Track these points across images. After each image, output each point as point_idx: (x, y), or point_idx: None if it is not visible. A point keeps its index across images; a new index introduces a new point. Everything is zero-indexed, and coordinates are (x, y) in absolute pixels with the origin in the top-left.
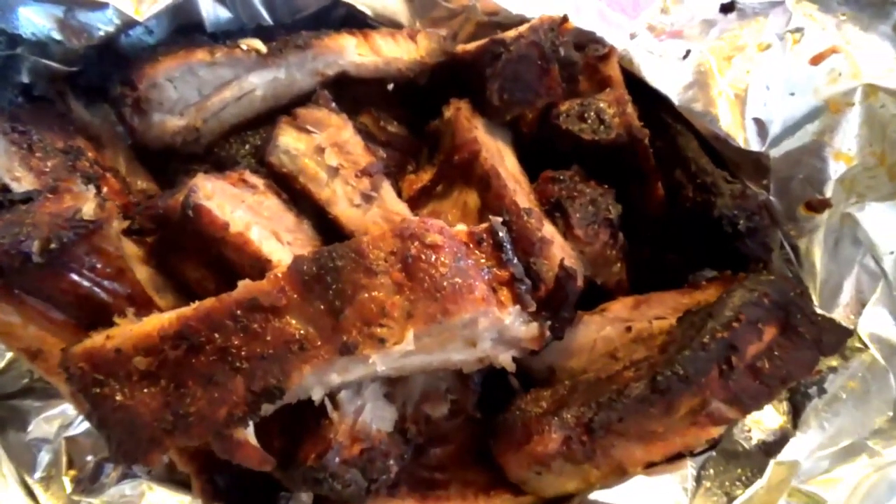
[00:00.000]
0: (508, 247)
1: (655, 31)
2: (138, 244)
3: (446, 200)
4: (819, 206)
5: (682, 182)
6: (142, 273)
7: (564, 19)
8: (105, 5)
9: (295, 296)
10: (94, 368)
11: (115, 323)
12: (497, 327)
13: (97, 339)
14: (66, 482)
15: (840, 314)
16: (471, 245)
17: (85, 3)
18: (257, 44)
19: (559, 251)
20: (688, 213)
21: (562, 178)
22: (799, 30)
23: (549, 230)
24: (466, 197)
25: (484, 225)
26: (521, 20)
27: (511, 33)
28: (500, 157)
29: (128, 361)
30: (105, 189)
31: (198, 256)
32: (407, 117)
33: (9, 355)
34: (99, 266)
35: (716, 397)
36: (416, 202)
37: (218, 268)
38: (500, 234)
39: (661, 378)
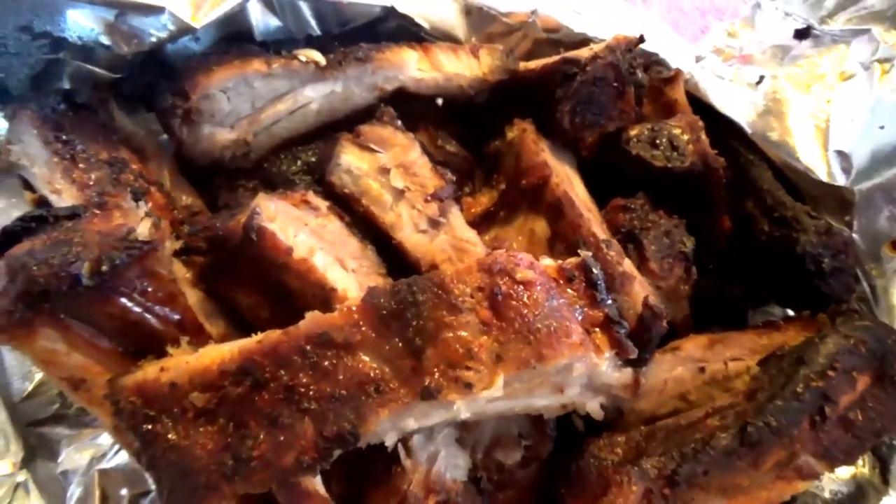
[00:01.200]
0: (602, 285)
1: (723, 55)
2: (187, 265)
3: (510, 227)
4: None
5: (754, 215)
6: (191, 297)
7: (641, 39)
8: (161, 10)
9: (370, 332)
10: (146, 403)
11: (168, 353)
12: (591, 374)
13: (150, 371)
14: None
15: None
16: (561, 282)
17: (140, 7)
18: (316, 55)
19: (640, 288)
20: (762, 246)
21: (633, 206)
22: (888, 60)
23: (628, 264)
24: (534, 224)
25: (575, 260)
26: (584, 39)
27: (584, 52)
28: (571, 183)
29: (183, 397)
30: (150, 204)
31: (252, 281)
32: (460, 135)
33: (37, 378)
34: (150, 290)
35: (805, 450)
36: (476, 227)
37: (274, 294)
38: (595, 270)
39: (751, 429)
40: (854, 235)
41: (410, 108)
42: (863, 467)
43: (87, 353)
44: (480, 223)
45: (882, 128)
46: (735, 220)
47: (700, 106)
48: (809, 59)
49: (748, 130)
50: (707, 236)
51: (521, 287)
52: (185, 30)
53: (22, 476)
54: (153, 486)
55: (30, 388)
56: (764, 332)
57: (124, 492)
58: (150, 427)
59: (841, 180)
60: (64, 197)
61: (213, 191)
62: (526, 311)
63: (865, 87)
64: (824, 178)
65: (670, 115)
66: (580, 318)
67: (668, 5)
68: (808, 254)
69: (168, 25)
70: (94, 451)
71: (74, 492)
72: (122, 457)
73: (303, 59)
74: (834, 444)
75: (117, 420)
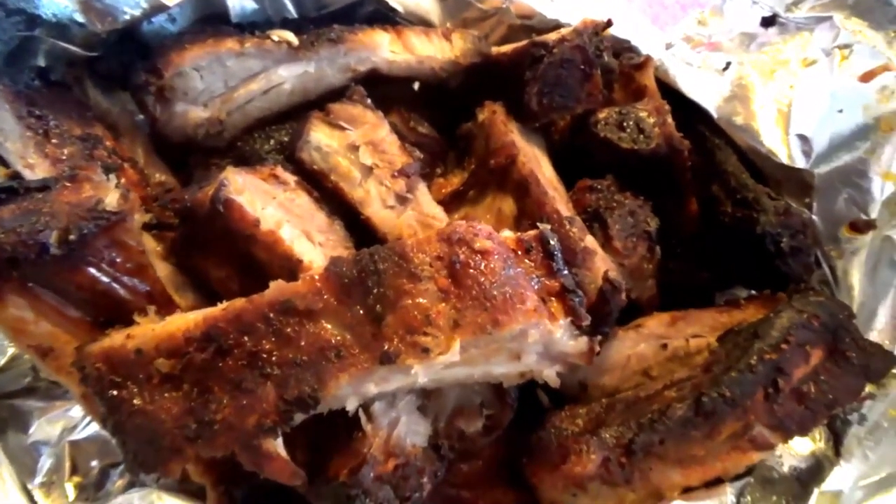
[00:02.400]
0: (559, 256)
1: (693, 43)
2: (158, 239)
3: (479, 206)
4: (864, 227)
5: (719, 197)
6: (161, 270)
7: (608, 23)
8: None
9: (332, 299)
10: (112, 369)
11: (135, 321)
12: (546, 341)
13: (116, 339)
14: (69, 489)
15: (875, 339)
16: (519, 252)
17: None
18: (289, 35)
19: (602, 263)
20: (726, 228)
21: (599, 187)
22: (847, 46)
23: (590, 241)
24: (501, 203)
25: (533, 232)
26: (557, 25)
27: (553, 36)
28: (538, 163)
29: (149, 363)
30: (123, 180)
31: (222, 254)
32: (433, 118)
33: (10, 351)
34: (119, 261)
35: (759, 422)
36: (447, 206)
37: (243, 266)
38: (552, 242)
39: (706, 399)
40: (814, 217)
41: (385, 90)
42: (819, 441)
43: (55, 322)
44: (450, 202)
45: (841, 112)
46: (702, 204)
47: (669, 92)
48: (774, 46)
49: (714, 115)
50: (674, 219)
51: (479, 256)
52: (157, 7)
53: None
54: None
55: (2, 361)
56: (725, 309)
57: (94, 463)
58: (115, 392)
59: (801, 163)
60: (37, 171)
61: (188, 169)
62: (483, 280)
63: (826, 72)
64: (785, 160)
65: (639, 100)
66: (536, 287)
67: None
68: (768, 233)
69: (141, 3)
70: (66, 422)
71: (45, 462)
72: (93, 428)
73: (275, 38)
74: (788, 416)
75: (84, 387)
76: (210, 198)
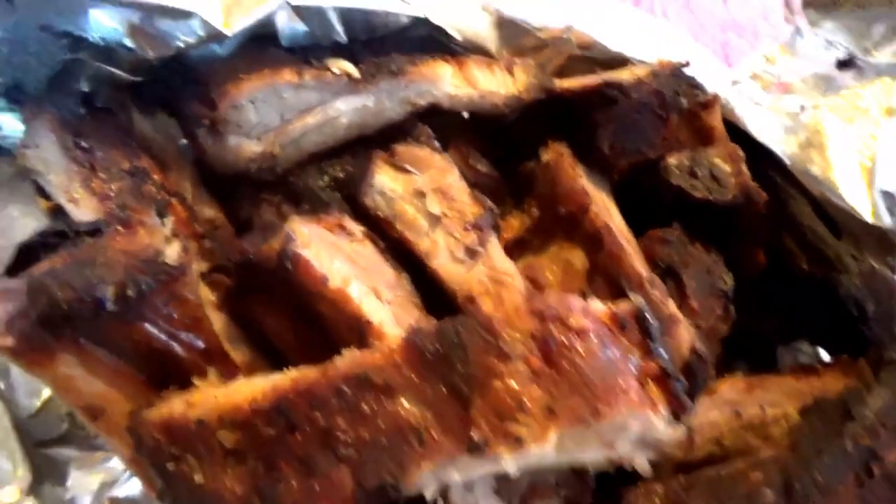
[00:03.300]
0: (658, 335)
1: (761, 81)
2: (211, 286)
3: (544, 255)
4: None
5: (793, 251)
6: (215, 321)
7: (685, 65)
8: (191, 15)
9: (412, 375)
10: (171, 441)
11: (194, 385)
12: (645, 430)
13: (176, 407)
14: None
15: None
16: (615, 330)
17: (168, 11)
18: (349, 67)
19: (686, 332)
20: (800, 285)
21: (671, 239)
22: None
23: (671, 306)
24: (570, 255)
25: (628, 306)
26: (620, 58)
27: (626, 76)
28: (609, 213)
29: (212, 436)
30: (172, 218)
31: (281, 306)
32: (486, 152)
33: (44, 394)
34: (176, 315)
35: None
36: (508, 253)
37: (303, 320)
38: (650, 319)
39: (797, 486)
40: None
41: (439, 122)
42: None
43: (106, 380)
44: (512, 249)
45: None
46: (769, 254)
47: (735, 133)
48: (852, 91)
49: (787, 162)
50: (738, 269)
51: (575, 335)
52: (215, 36)
53: (29, 503)
54: None
55: (37, 404)
56: (802, 377)
57: None
58: (174, 467)
59: (887, 221)
60: (81, 207)
61: (234, 201)
62: (580, 363)
63: None
64: (869, 218)
65: (706, 142)
66: (634, 370)
67: (687, 20)
68: (852, 297)
69: (197, 31)
70: (105, 476)
71: None
72: (134, 486)
73: (336, 70)
74: (878, 501)
75: (139, 456)
76: (277, 253)
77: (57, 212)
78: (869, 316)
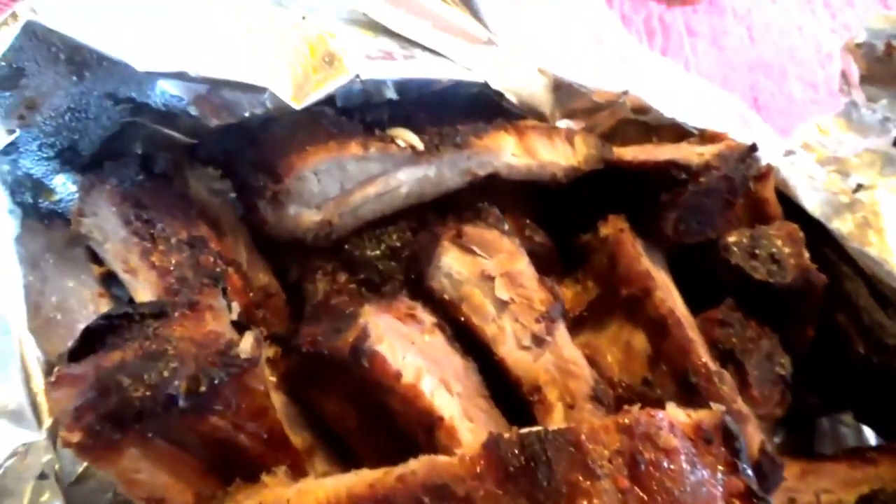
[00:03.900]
0: (744, 452)
1: (815, 154)
2: (271, 367)
3: (602, 334)
4: None
5: (848, 331)
6: (275, 401)
7: (753, 148)
8: (262, 91)
9: (493, 487)
10: None
11: (261, 479)
12: None
13: None
14: None
15: None
16: (700, 445)
17: (238, 85)
18: (414, 140)
19: (755, 431)
20: (855, 366)
21: (731, 321)
22: None
23: (740, 402)
24: (630, 337)
25: (712, 419)
26: (673, 124)
27: (694, 158)
28: (673, 298)
29: None
30: (228, 288)
31: (346, 395)
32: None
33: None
34: (243, 406)
35: None
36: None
37: (367, 408)
38: (735, 434)
39: None
40: None
41: (494, 188)
42: None
43: (170, 472)
44: (570, 326)
45: None
46: (820, 331)
47: (787, 205)
48: None
49: (843, 241)
50: (789, 345)
51: (664, 455)
52: (283, 109)
53: None
54: None
55: (79, 470)
56: (857, 464)
57: None
58: None
59: None
60: (139, 278)
61: (284, 265)
62: (670, 485)
63: None
64: None
65: (759, 214)
66: (721, 489)
67: (716, 58)
68: None
69: (266, 104)
70: None
71: None
72: None
73: (401, 143)
74: None
75: None
76: (350, 346)
77: (110, 279)
78: None
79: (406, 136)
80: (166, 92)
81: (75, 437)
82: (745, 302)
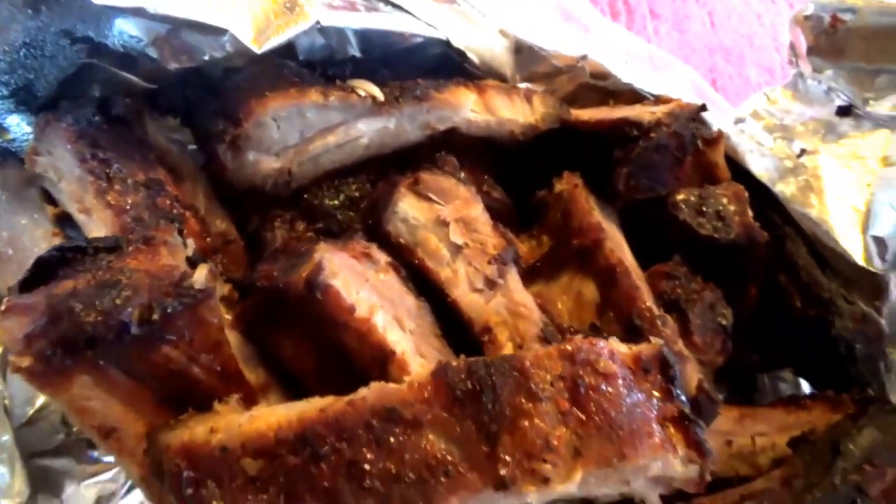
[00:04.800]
0: (679, 380)
1: (763, 122)
2: (227, 306)
3: (555, 285)
4: None
5: (787, 289)
6: (231, 339)
7: (703, 108)
8: (223, 32)
9: (441, 411)
10: (192, 466)
11: (213, 408)
12: (664, 471)
13: (198, 432)
14: None
15: None
16: (638, 373)
17: (199, 27)
18: (374, 90)
19: (693, 370)
20: (793, 322)
21: (676, 274)
22: None
23: (681, 343)
24: (581, 286)
25: (651, 350)
26: (630, 91)
27: (646, 116)
28: (623, 249)
29: (235, 463)
30: (185, 230)
31: (301, 332)
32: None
33: (39, 402)
34: (196, 338)
35: None
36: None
37: (323, 347)
38: (673, 364)
39: None
40: (882, 321)
41: (456, 148)
42: None
43: (123, 402)
44: (524, 277)
45: None
46: (764, 291)
47: (735, 170)
48: (852, 140)
49: (786, 203)
50: (732, 303)
51: (603, 379)
52: (243, 53)
53: None
54: None
55: (31, 412)
56: (791, 409)
57: None
58: (193, 491)
59: (877, 266)
60: (94, 217)
61: (243, 214)
62: (607, 406)
63: None
64: (860, 261)
65: (709, 178)
66: (656, 413)
67: (678, 41)
68: (843, 339)
69: (226, 47)
70: (100, 489)
71: None
72: (134, 498)
73: (361, 93)
74: None
75: (157, 480)
76: (305, 280)
77: (64, 219)
78: (857, 357)
79: (367, 87)
80: (125, 32)
81: (25, 362)
82: (692, 258)
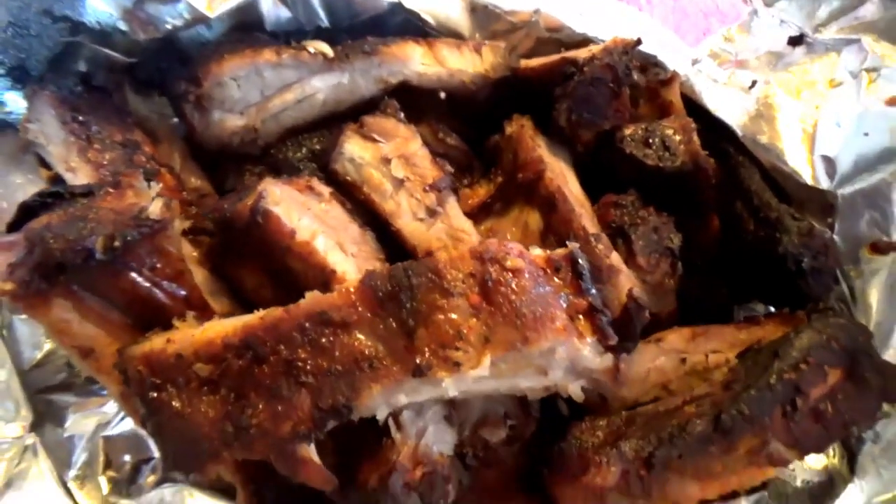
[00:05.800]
0: (588, 275)
1: (719, 59)
2: (194, 245)
3: (505, 218)
4: (885, 248)
5: (742, 215)
6: (197, 275)
7: (638, 42)
8: (178, 0)
9: (366, 312)
10: (152, 372)
11: (175, 326)
12: (573, 358)
13: (157, 343)
14: (103, 482)
15: (891, 358)
16: (549, 271)
17: None
18: (324, 47)
19: (626, 280)
20: (748, 246)
21: (623, 203)
22: (875, 70)
23: (615, 258)
24: (528, 217)
25: (562, 251)
26: (585, 40)
27: (583, 53)
28: (565, 179)
29: (188, 367)
30: (160, 185)
31: (257, 263)
32: (460, 129)
33: (46, 347)
34: (159, 266)
35: (777, 439)
36: (473, 218)
37: (277, 275)
38: (581, 261)
39: (725, 417)
40: (835, 237)
41: (414, 101)
42: (833, 458)
43: (97, 324)
44: (477, 214)
45: (866, 135)
46: (724, 221)
47: (694, 108)
48: (801, 66)
49: (739, 133)
50: (695, 236)
51: (510, 274)
52: (199, 19)
53: (30, 439)
54: (155, 454)
55: (39, 356)
56: (744, 326)
57: (127, 458)
58: (155, 395)
59: (825, 184)
60: (78, 175)
61: (221, 174)
62: (513, 297)
63: (853, 94)
64: (809, 181)
65: (665, 117)
66: (565, 305)
67: (671, 7)
68: (790, 254)
69: (184, 14)
70: (100, 418)
71: (80, 456)
72: (126, 425)
73: (311, 50)
74: (804, 434)
75: (125, 388)
76: (249, 209)
77: (57, 181)
78: (805, 271)
79: (317, 45)
80: (96, 9)
81: (7, 287)
82: (645, 190)
